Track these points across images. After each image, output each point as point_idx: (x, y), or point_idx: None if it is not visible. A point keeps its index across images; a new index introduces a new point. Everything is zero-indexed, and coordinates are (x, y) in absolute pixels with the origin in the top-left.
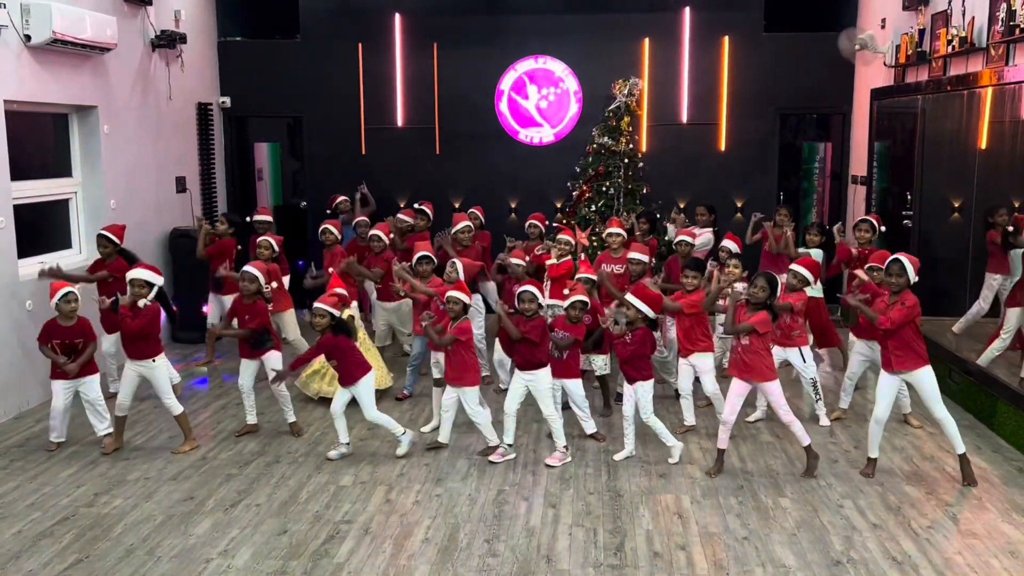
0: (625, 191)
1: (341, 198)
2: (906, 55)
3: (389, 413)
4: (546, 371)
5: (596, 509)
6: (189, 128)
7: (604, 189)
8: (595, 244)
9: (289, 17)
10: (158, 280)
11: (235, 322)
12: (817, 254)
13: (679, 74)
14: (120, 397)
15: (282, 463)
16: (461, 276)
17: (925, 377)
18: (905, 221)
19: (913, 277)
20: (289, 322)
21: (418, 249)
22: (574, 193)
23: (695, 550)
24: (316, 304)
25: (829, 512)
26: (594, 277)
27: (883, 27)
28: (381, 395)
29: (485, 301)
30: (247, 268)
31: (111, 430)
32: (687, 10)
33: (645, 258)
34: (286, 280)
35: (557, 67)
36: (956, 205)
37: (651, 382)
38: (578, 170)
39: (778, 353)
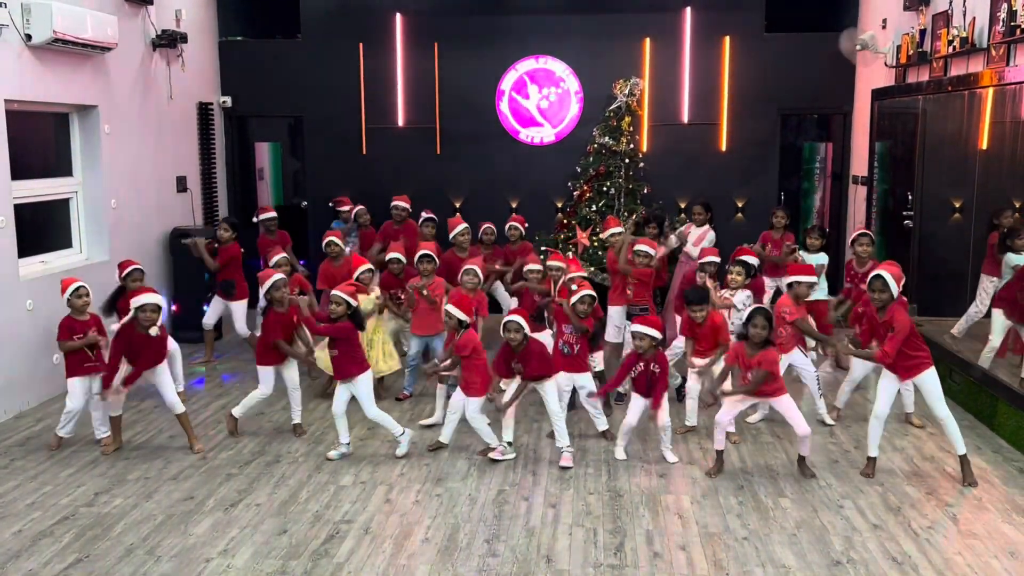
0: (626, 191)
1: (359, 207)
2: (907, 55)
3: (389, 413)
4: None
5: (596, 509)
6: (190, 128)
7: (605, 189)
8: (595, 244)
9: (290, 17)
10: (163, 302)
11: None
12: (819, 258)
13: (680, 74)
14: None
15: (282, 463)
16: (481, 282)
17: (929, 378)
18: (906, 222)
19: (896, 291)
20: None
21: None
22: (575, 193)
23: (695, 550)
24: (334, 292)
25: (829, 512)
26: (584, 274)
27: (884, 27)
28: (383, 393)
29: (494, 303)
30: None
31: (109, 432)
32: (688, 10)
33: (652, 251)
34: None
35: (558, 67)
36: (957, 205)
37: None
38: (579, 170)
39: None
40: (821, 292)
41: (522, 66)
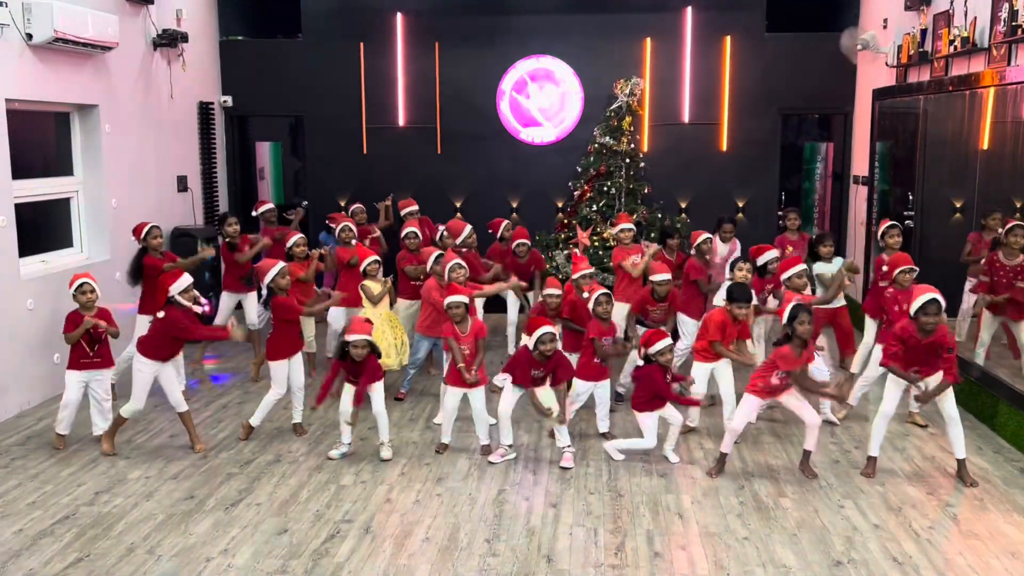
0: (626, 191)
1: (356, 205)
2: (908, 55)
3: (390, 413)
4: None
5: (597, 509)
6: (190, 127)
7: (605, 189)
8: (596, 244)
9: (291, 16)
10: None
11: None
12: (837, 263)
13: (681, 74)
14: (141, 402)
15: (283, 462)
16: (467, 273)
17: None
18: (907, 221)
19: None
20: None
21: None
22: (575, 193)
23: (696, 550)
24: (354, 337)
25: (830, 512)
26: (593, 271)
27: (885, 27)
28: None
29: (499, 301)
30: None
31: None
32: (689, 10)
33: (668, 276)
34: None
35: (559, 67)
36: (958, 205)
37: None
38: (579, 170)
39: None
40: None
41: (523, 66)
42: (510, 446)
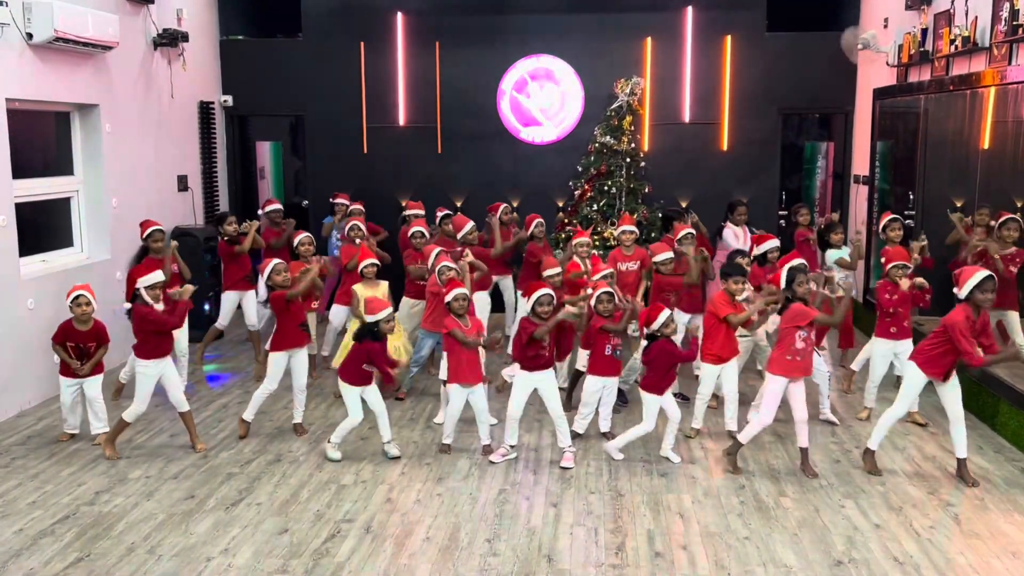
0: (627, 190)
1: (355, 206)
2: (909, 55)
3: (390, 412)
4: (552, 371)
5: (597, 508)
6: (191, 127)
7: (606, 188)
8: (596, 243)
9: (291, 16)
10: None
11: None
12: (845, 252)
13: (681, 73)
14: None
15: (283, 462)
16: (457, 273)
17: (955, 377)
18: (907, 221)
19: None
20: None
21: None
22: (576, 192)
23: (696, 550)
24: (383, 313)
25: (831, 512)
26: (613, 271)
27: (886, 26)
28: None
29: (498, 297)
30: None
31: (106, 429)
32: (689, 9)
33: (671, 255)
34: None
35: (559, 66)
36: (958, 205)
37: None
38: (580, 169)
39: None
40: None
41: (523, 65)
42: (512, 447)
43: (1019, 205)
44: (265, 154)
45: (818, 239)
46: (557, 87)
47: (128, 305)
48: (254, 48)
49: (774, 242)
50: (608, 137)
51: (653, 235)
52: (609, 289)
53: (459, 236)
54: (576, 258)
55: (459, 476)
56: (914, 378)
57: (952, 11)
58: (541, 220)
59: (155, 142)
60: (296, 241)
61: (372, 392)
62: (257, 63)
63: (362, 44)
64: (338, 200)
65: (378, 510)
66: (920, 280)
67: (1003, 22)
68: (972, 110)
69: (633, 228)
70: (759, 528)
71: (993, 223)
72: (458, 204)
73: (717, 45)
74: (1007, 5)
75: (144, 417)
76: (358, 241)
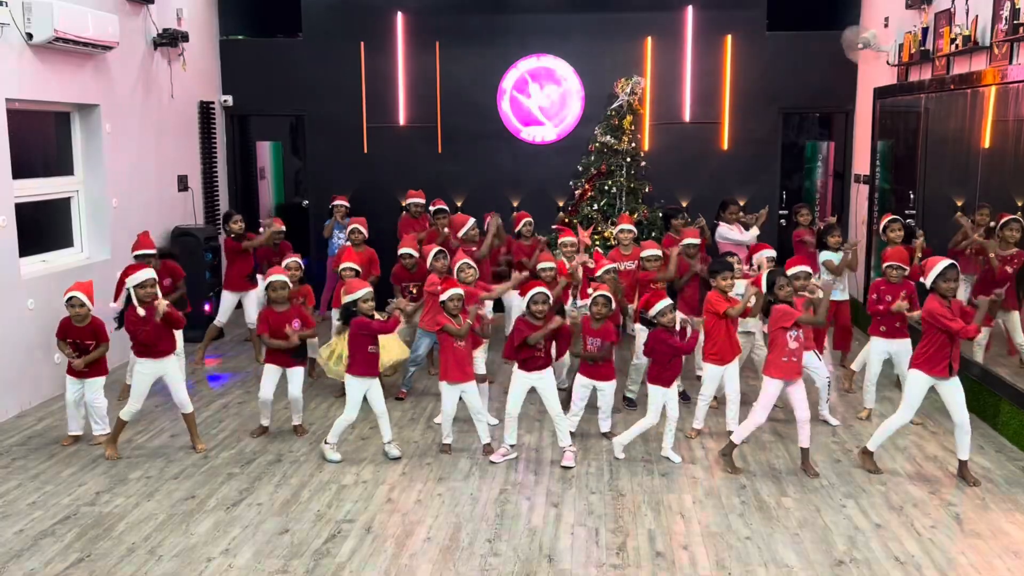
0: (627, 190)
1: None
2: (909, 54)
3: (391, 413)
4: (550, 370)
5: (598, 508)
6: (191, 127)
7: (606, 188)
8: (597, 243)
9: (291, 15)
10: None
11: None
12: (837, 256)
13: (682, 73)
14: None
15: (284, 462)
16: (477, 275)
17: (958, 381)
18: (908, 220)
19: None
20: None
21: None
22: (576, 192)
23: (697, 550)
24: (360, 292)
25: (832, 512)
26: (616, 266)
27: (886, 25)
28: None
29: (498, 302)
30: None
31: (107, 430)
32: (690, 9)
33: (659, 252)
34: None
35: (559, 66)
36: (959, 204)
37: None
38: (580, 169)
39: None
40: (844, 292)
41: (523, 65)
42: (512, 446)
43: (1020, 204)
44: (265, 154)
45: (817, 240)
46: (557, 87)
47: (117, 307)
48: (254, 48)
49: (769, 252)
50: (608, 136)
51: (654, 234)
52: (606, 292)
53: (459, 234)
54: (563, 259)
55: (460, 476)
56: (916, 383)
57: (953, 10)
58: (530, 219)
59: (155, 142)
60: (284, 264)
61: (375, 392)
62: (257, 63)
63: (362, 44)
64: (336, 202)
65: (379, 510)
66: (901, 304)
67: (1004, 21)
68: (973, 109)
69: (631, 227)
70: (760, 528)
71: (993, 224)
72: (459, 204)
73: (717, 44)
74: (1008, 4)
75: (145, 417)
76: (363, 246)
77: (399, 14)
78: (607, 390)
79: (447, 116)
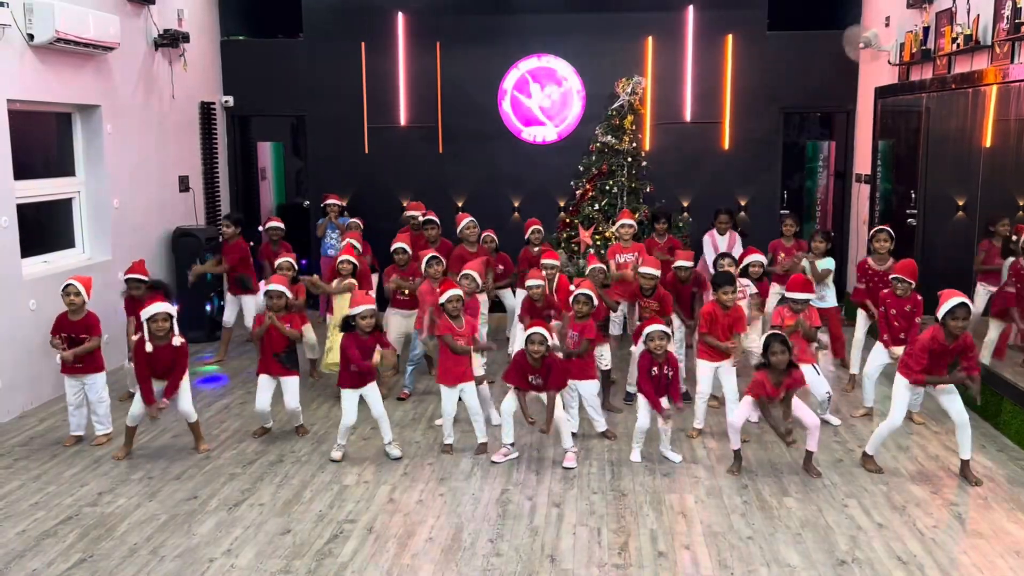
0: (628, 190)
1: (350, 226)
2: (910, 53)
3: (391, 413)
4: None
5: (600, 508)
6: (192, 127)
7: (607, 188)
8: (597, 243)
9: (292, 16)
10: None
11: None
12: (827, 263)
13: (683, 72)
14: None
15: (285, 462)
16: (479, 287)
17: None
18: (909, 220)
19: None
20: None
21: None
22: (577, 192)
23: (699, 550)
24: (360, 308)
25: (834, 511)
26: (604, 267)
27: (887, 25)
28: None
29: (498, 303)
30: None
31: (109, 430)
32: (691, 8)
33: (658, 273)
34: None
35: (560, 66)
36: (960, 204)
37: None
38: (581, 169)
39: None
40: (830, 299)
41: (524, 65)
42: (511, 445)
43: (1021, 204)
44: (266, 154)
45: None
46: (558, 87)
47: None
48: (255, 48)
49: (757, 257)
50: (609, 136)
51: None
52: (588, 291)
53: (458, 231)
54: (545, 274)
55: (461, 476)
56: (901, 388)
57: (954, 9)
58: (539, 228)
59: (156, 143)
60: (276, 264)
61: (371, 396)
62: (258, 63)
63: (363, 44)
64: (329, 201)
65: (381, 510)
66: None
67: (1005, 20)
68: (974, 108)
69: (632, 222)
70: (762, 528)
71: (1014, 236)
72: (459, 204)
73: (718, 44)
74: (1009, 3)
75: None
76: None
77: (400, 14)
78: (584, 389)
79: (448, 116)
